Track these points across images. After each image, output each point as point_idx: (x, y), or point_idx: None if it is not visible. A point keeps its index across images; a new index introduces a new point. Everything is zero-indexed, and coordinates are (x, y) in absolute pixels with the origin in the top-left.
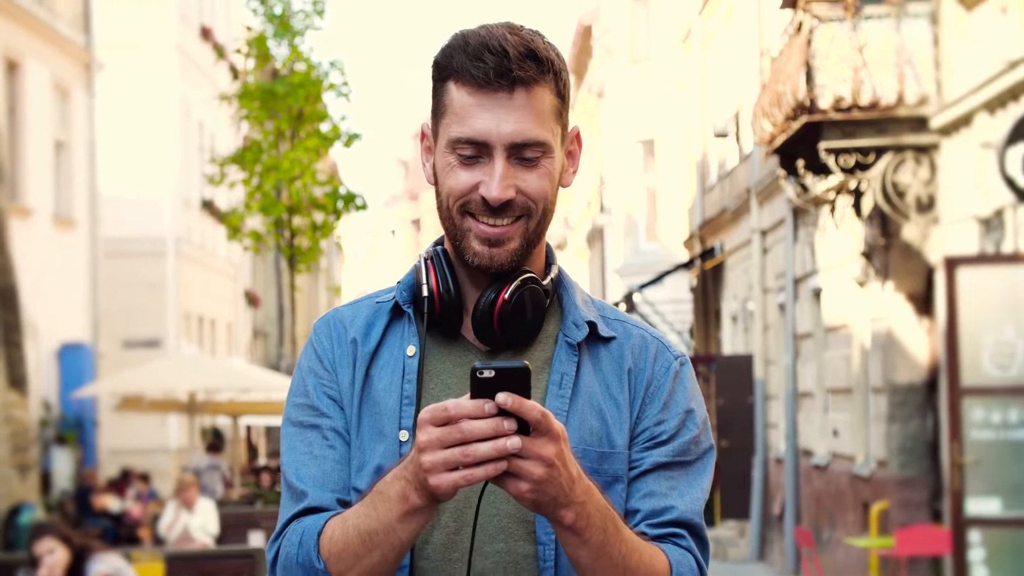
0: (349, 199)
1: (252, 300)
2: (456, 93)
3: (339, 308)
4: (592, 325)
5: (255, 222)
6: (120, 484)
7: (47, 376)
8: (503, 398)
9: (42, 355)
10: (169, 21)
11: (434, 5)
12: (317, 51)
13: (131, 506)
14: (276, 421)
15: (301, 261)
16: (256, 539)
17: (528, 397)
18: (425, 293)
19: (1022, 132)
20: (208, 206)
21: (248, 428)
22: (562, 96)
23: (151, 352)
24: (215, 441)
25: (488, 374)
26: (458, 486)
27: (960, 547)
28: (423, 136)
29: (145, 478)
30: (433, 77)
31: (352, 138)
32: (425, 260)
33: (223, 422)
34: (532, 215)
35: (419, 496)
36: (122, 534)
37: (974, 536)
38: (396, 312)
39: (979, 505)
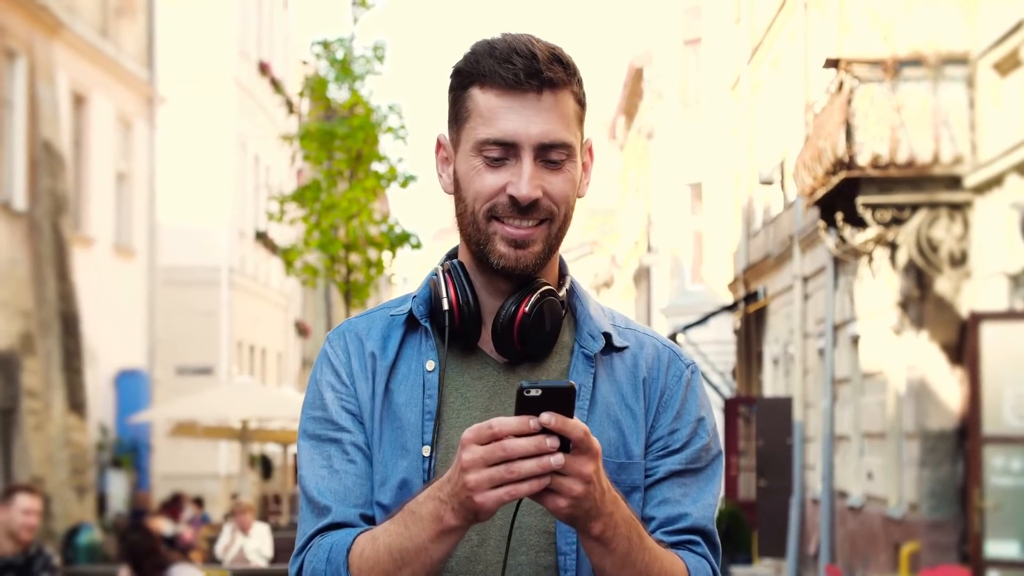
0: (404, 238)
1: (302, 330)
2: (482, 97)
3: (352, 320)
4: (607, 336)
5: (312, 257)
6: (172, 507)
7: (104, 401)
8: (547, 417)
9: (100, 380)
10: (229, 56)
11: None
12: (376, 94)
13: (183, 529)
14: None
15: (356, 297)
16: None
17: (571, 416)
18: (445, 307)
19: None
20: (262, 237)
21: (295, 456)
22: (582, 104)
23: (204, 379)
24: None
25: (535, 393)
26: (502, 502)
27: None
28: (439, 147)
29: (199, 502)
30: (452, 86)
31: (408, 179)
32: (444, 272)
33: (273, 450)
34: (554, 219)
35: (455, 517)
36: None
37: None
38: (411, 324)
39: (998, 548)
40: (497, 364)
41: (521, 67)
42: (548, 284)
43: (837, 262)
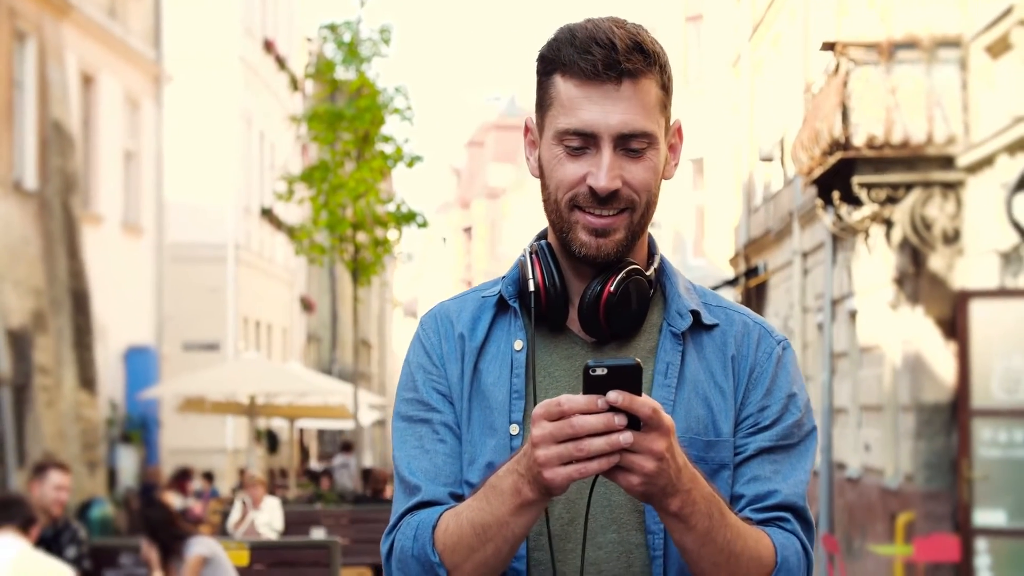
0: (410, 216)
1: (307, 305)
2: (563, 85)
3: (444, 303)
4: (695, 314)
5: (320, 237)
6: (180, 481)
7: (114, 377)
8: (614, 396)
9: (110, 357)
10: (234, 34)
11: (488, 24)
12: (382, 76)
13: (192, 503)
14: (330, 424)
15: (363, 275)
16: (318, 534)
17: (639, 393)
18: (532, 288)
19: None
20: (267, 214)
21: (300, 431)
22: (666, 89)
23: (210, 355)
24: (347, 442)
25: (600, 372)
26: (571, 479)
27: (968, 554)
28: (527, 130)
29: (209, 476)
30: (538, 71)
31: (414, 160)
32: (530, 254)
33: (279, 424)
34: (636, 207)
35: (532, 490)
36: None
37: (981, 545)
38: (501, 306)
39: (986, 516)
40: (585, 343)
41: (600, 57)
42: (635, 264)
43: (835, 238)
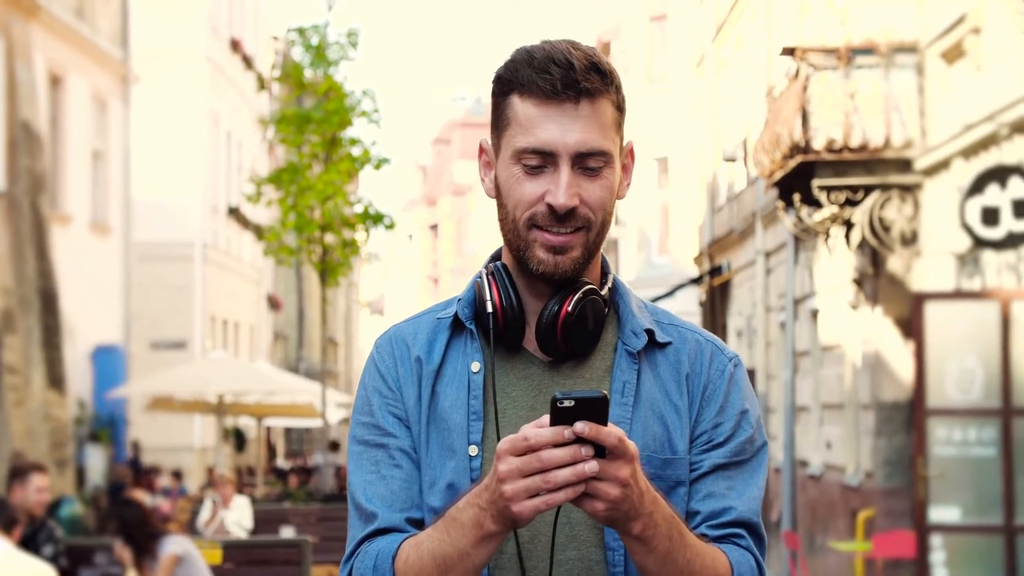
0: (378, 218)
1: (274, 304)
2: (521, 105)
3: (399, 325)
4: (650, 333)
5: (289, 238)
6: (147, 478)
7: (82, 376)
8: (581, 426)
9: (78, 356)
10: (200, 34)
11: (455, 23)
12: (349, 79)
13: (160, 502)
14: (297, 423)
15: (331, 276)
16: (287, 532)
17: (604, 424)
18: (489, 309)
19: (981, 186)
20: (234, 213)
21: (268, 429)
22: (620, 110)
23: (178, 354)
24: (334, 441)
25: (568, 404)
26: (539, 511)
27: (924, 550)
28: (481, 151)
29: (178, 475)
30: (495, 92)
31: (381, 162)
32: (487, 275)
33: (246, 423)
34: (592, 226)
35: (495, 523)
36: None
37: (936, 541)
38: (456, 327)
39: (941, 513)
40: (541, 363)
41: (558, 77)
42: (590, 283)
43: (797, 239)
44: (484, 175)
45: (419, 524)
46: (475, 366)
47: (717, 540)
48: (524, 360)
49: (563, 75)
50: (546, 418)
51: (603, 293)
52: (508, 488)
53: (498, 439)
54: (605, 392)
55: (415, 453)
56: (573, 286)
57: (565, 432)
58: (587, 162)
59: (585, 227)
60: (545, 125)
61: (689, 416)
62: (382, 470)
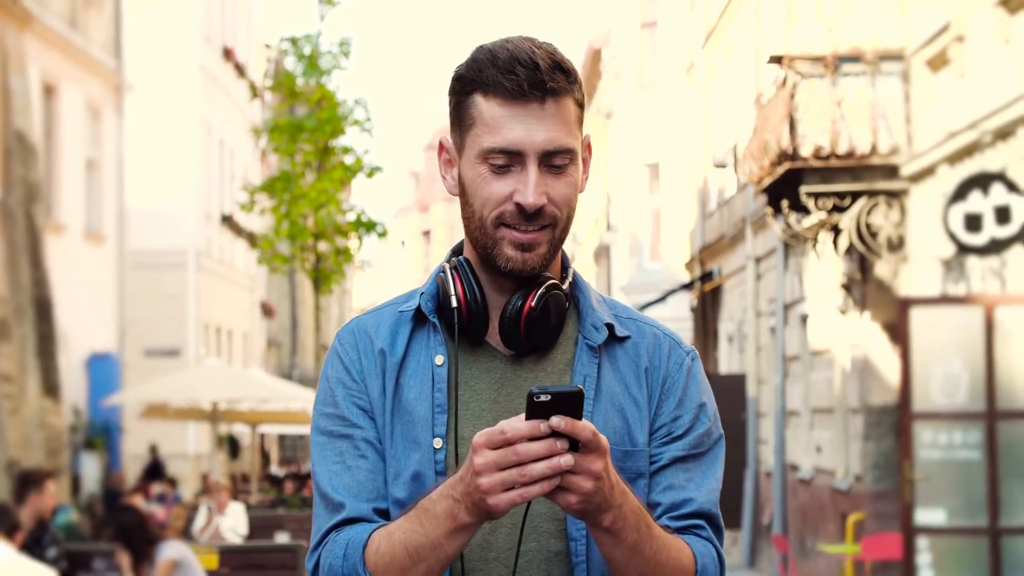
0: (370, 226)
1: (267, 311)
2: (485, 105)
3: (361, 317)
4: (610, 327)
5: (282, 246)
6: (144, 489)
7: (76, 384)
8: (557, 420)
9: (72, 364)
10: (193, 42)
11: (447, 30)
12: (342, 88)
13: (155, 508)
14: (291, 429)
15: (325, 284)
16: (282, 538)
17: (580, 418)
18: (454, 304)
19: (963, 192)
20: (227, 220)
21: (262, 436)
22: (581, 106)
23: (172, 361)
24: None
25: (544, 398)
26: (514, 504)
27: (910, 552)
28: (442, 149)
29: (172, 482)
30: (455, 91)
31: (374, 170)
32: (451, 269)
33: (241, 430)
34: (558, 223)
35: (469, 515)
36: None
37: (922, 543)
38: (419, 319)
39: (927, 515)
40: (504, 357)
41: (525, 78)
42: (552, 278)
43: (787, 244)
44: (445, 172)
45: (385, 515)
46: (439, 359)
47: (678, 531)
48: (487, 354)
49: (529, 75)
50: (515, 418)
51: (564, 287)
52: (484, 481)
53: (462, 431)
54: (581, 387)
55: (380, 444)
56: (536, 281)
57: (541, 426)
58: (553, 160)
59: (552, 224)
60: (511, 125)
61: (649, 409)
62: (347, 460)
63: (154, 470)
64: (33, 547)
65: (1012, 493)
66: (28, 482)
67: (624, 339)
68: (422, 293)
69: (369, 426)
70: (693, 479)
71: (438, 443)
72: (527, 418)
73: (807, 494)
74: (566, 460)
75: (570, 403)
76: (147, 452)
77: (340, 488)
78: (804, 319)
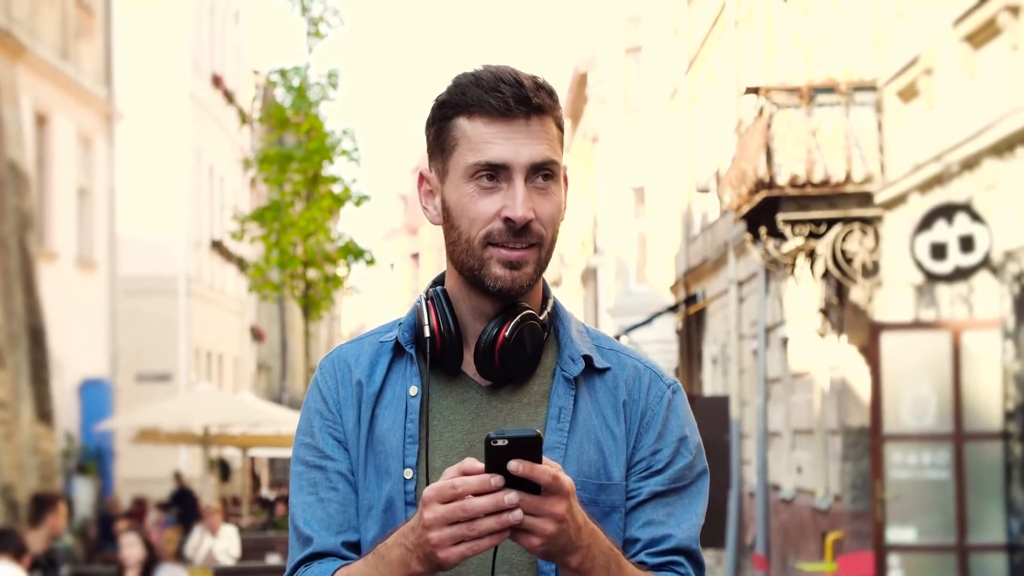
0: (359, 253)
1: (257, 335)
2: (469, 125)
3: (343, 347)
4: (588, 359)
5: (272, 273)
6: (138, 513)
7: (69, 409)
8: (515, 465)
9: (65, 390)
10: (183, 70)
11: (434, 55)
12: (330, 118)
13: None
14: (281, 453)
15: (314, 310)
16: (273, 559)
17: (539, 461)
18: (427, 334)
19: (929, 222)
20: (217, 246)
21: (252, 459)
22: (561, 129)
23: (163, 386)
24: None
25: (502, 443)
26: (465, 557)
27: (882, 570)
28: (422, 180)
29: (164, 507)
30: (436, 118)
31: (362, 199)
32: (426, 301)
33: (231, 453)
34: (543, 243)
35: (420, 564)
36: None
37: (894, 560)
38: (398, 350)
39: (898, 534)
40: (480, 387)
41: (510, 95)
42: (529, 308)
43: (767, 269)
44: (426, 203)
45: (356, 547)
46: (413, 390)
47: (656, 568)
48: (463, 384)
49: (514, 92)
50: (472, 462)
51: (542, 317)
52: (434, 535)
53: (434, 463)
54: (539, 432)
55: (352, 476)
56: (512, 311)
57: (492, 480)
58: (539, 175)
59: (538, 244)
60: (497, 141)
61: (627, 443)
62: (320, 492)
63: (180, 497)
64: (48, 567)
65: (979, 511)
66: (44, 504)
67: (604, 371)
68: (400, 323)
69: (343, 458)
70: (674, 514)
71: (408, 473)
72: (486, 462)
73: (788, 513)
74: (515, 516)
75: (529, 447)
76: (172, 479)
77: (312, 520)
78: (785, 342)
